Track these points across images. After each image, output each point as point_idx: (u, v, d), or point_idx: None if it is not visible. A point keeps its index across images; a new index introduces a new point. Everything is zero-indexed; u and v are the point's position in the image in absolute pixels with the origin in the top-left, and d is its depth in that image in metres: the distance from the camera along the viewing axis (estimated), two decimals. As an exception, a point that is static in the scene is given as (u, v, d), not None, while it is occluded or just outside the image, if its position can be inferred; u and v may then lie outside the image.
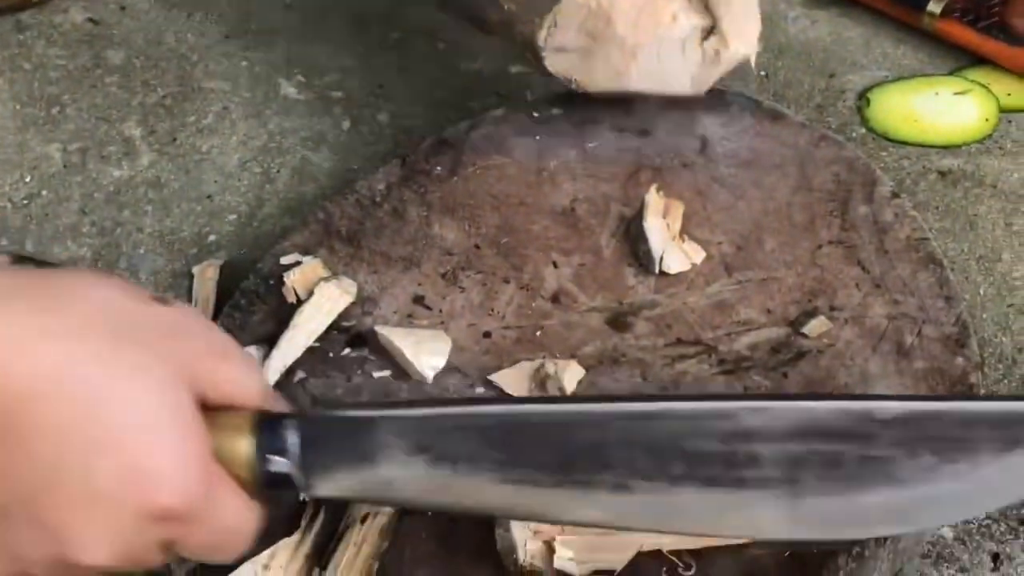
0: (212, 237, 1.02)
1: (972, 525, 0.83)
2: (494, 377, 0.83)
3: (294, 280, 0.88)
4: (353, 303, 0.88)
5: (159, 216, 1.03)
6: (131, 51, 1.16)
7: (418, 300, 0.89)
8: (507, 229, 0.93)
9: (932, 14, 1.13)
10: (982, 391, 0.87)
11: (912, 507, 0.59)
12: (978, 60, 1.12)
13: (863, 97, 1.10)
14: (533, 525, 0.75)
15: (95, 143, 1.09)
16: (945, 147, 1.05)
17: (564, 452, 0.60)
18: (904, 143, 1.06)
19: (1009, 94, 1.09)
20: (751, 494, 0.59)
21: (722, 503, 0.60)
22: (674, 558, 0.74)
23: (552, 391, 0.82)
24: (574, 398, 0.67)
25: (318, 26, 1.19)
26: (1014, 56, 1.10)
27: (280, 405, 0.63)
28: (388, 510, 0.76)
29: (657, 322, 0.86)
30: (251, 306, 0.89)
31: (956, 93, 1.09)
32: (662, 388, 0.82)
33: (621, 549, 0.76)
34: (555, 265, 0.90)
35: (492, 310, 0.88)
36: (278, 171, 1.06)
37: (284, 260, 0.90)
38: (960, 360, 0.83)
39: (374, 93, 1.13)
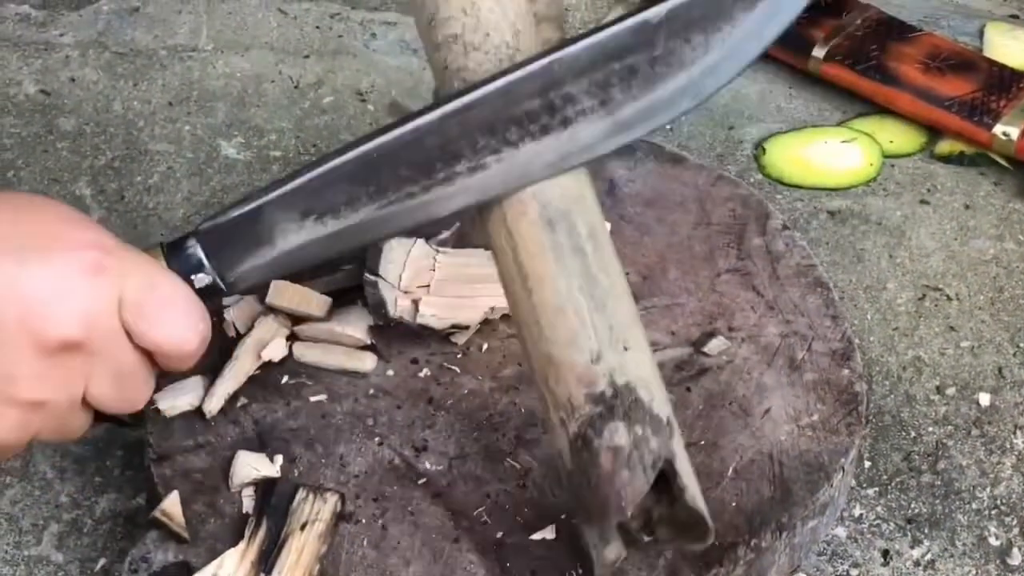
0: (159, 285, 1.08)
1: (864, 525, 0.90)
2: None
3: (234, 316, 0.94)
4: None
5: (109, 267, 1.09)
6: (81, 119, 1.22)
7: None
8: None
9: (817, 59, 1.22)
10: (868, 402, 0.95)
11: (700, 79, 0.68)
12: (863, 111, 1.21)
13: (759, 147, 1.18)
14: (403, 284, 0.84)
15: (47, 203, 1.15)
16: (834, 189, 1.14)
17: (421, 160, 0.68)
18: (797, 187, 1.14)
19: (891, 141, 1.17)
20: (578, 126, 0.67)
21: (558, 142, 0.68)
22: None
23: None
24: (411, 115, 0.70)
25: (255, 92, 1.25)
26: (889, 95, 1.19)
27: None
28: (326, 518, 0.82)
29: (571, 345, 0.93)
30: (196, 340, 0.94)
31: (843, 141, 1.17)
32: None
33: (475, 309, 0.85)
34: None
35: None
36: (220, 224, 1.13)
37: (225, 299, 0.95)
38: (846, 371, 0.91)
39: (309, 152, 1.19)
